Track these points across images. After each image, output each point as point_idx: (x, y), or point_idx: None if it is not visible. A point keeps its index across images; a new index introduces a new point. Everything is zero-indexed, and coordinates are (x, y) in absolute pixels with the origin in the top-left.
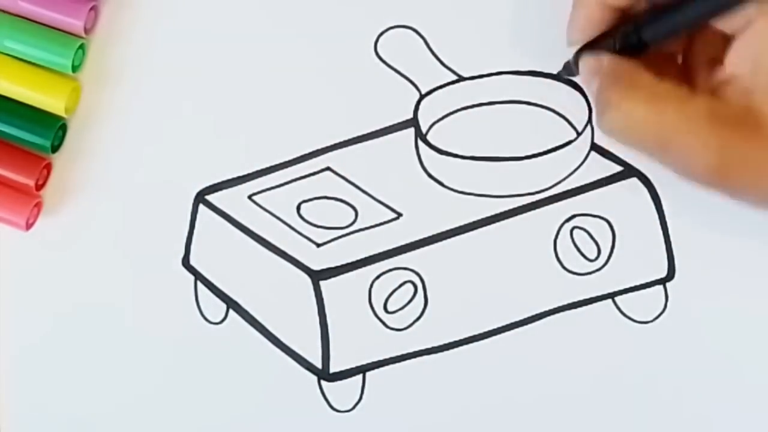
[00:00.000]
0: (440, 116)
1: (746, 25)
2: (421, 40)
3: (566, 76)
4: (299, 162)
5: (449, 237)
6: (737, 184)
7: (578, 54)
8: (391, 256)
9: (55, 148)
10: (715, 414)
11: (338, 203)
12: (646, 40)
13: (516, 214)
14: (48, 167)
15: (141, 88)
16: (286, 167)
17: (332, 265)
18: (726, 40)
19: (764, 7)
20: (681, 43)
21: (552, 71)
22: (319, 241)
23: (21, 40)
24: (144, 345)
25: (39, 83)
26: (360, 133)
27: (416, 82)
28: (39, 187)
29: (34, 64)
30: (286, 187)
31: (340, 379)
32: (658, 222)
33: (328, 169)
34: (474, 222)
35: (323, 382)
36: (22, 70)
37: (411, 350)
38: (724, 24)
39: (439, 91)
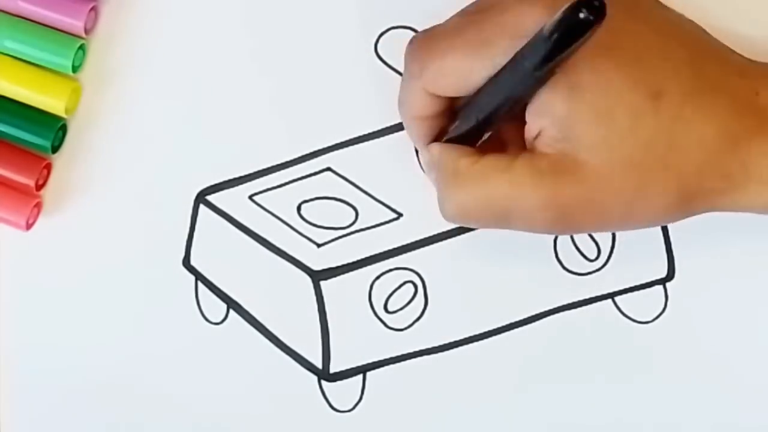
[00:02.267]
0: None
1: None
2: None
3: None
4: (300, 162)
5: (449, 237)
6: (582, 226)
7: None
8: (391, 256)
9: (55, 149)
10: (715, 414)
11: (339, 203)
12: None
13: None
14: (48, 167)
15: (141, 88)
16: (287, 167)
17: (333, 265)
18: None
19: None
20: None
21: None
22: (320, 241)
23: (21, 40)
24: (144, 345)
25: (39, 83)
26: (360, 134)
27: None
28: (39, 187)
29: (34, 64)
30: (287, 187)
31: (341, 379)
32: None
33: (328, 169)
34: None
35: (323, 382)
36: (22, 71)
37: (411, 350)
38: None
39: None
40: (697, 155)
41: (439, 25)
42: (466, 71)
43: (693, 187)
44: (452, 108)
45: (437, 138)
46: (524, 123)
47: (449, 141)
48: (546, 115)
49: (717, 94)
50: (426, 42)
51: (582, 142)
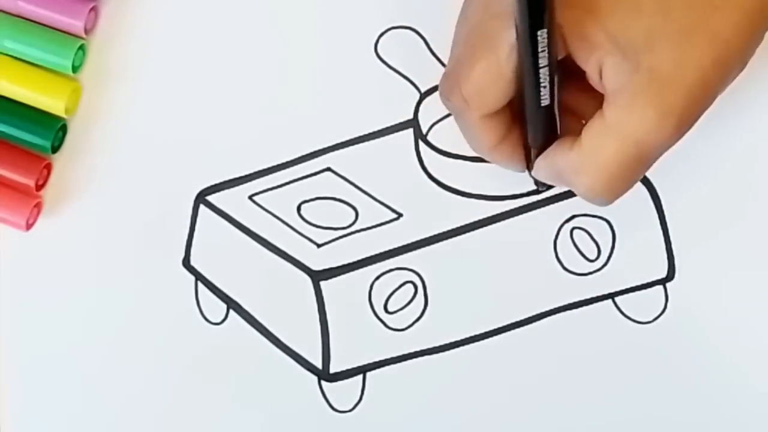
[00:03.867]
0: (441, 117)
1: (564, 41)
2: (421, 41)
3: (544, 188)
4: (300, 162)
5: (449, 237)
6: (696, 115)
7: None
8: (391, 257)
9: (55, 149)
10: (715, 414)
11: (338, 203)
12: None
13: (516, 215)
14: (48, 167)
15: (141, 88)
16: (287, 167)
17: (332, 266)
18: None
19: (564, 15)
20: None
21: None
22: (320, 242)
23: (21, 40)
24: (144, 345)
25: (39, 84)
26: (360, 134)
27: (416, 83)
28: (39, 187)
29: (34, 64)
30: (287, 187)
31: (341, 379)
32: (658, 222)
33: (328, 169)
34: (474, 222)
35: (323, 383)
36: (22, 71)
37: (411, 350)
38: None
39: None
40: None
41: (447, 64)
42: (498, 71)
43: (756, 10)
44: (516, 121)
45: (527, 154)
46: (575, 92)
47: (541, 149)
48: (592, 51)
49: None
50: (450, 76)
51: (637, 49)
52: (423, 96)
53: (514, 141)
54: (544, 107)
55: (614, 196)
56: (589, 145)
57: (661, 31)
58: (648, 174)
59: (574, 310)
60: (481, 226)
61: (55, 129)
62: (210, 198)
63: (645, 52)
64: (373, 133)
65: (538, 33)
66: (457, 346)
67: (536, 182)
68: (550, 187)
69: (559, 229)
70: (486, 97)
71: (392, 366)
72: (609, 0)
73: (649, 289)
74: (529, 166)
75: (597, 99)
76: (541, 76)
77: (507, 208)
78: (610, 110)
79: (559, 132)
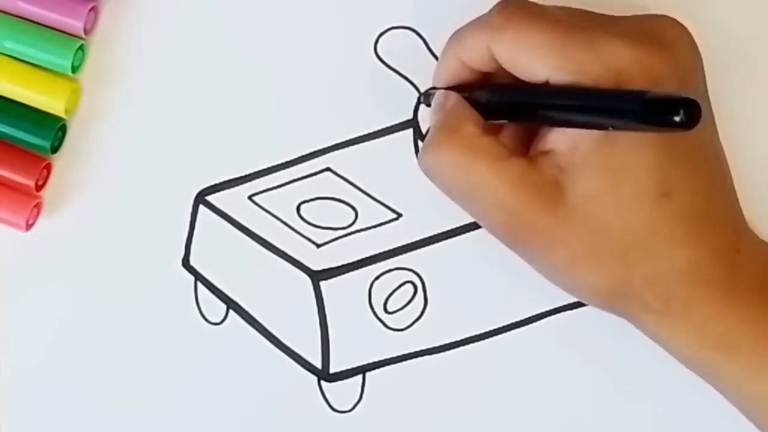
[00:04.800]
0: None
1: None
2: (420, 41)
3: (424, 103)
4: (299, 162)
5: (449, 237)
6: (524, 248)
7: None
8: (390, 257)
9: (54, 149)
10: (715, 414)
11: (338, 203)
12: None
13: None
14: (48, 168)
15: (141, 88)
16: (286, 168)
17: (332, 266)
18: None
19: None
20: None
21: None
22: (319, 242)
23: (21, 41)
24: (144, 345)
25: (39, 84)
26: (360, 134)
27: (416, 83)
28: (39, 187)
29: (33, 65)
30: (286, 187)
31: (340, 379)
32: None
33: (328, 169)
34: (474, 222)
35: (323, 383)
36: (21, 71)
37: (411, 350)
38: None
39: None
40: (659, 266)
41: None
42: (540, 61)
43: (633, 289)
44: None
45: (457, 87)
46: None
47: (469, 98)
48: (571, 144)
49: (707, 230)
50: (524, 8)
51: (578, 187)
52: (422, 95)
53: (470, 76)
54: (515, 110)
55: (426, 172)
56: (474, 148)
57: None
58: None
59: (574, 310)
60: (481, 226)
61: (54, 129)
62: (209, 198)
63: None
64: (373, 133)
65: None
66: (457, 346)
67: (426, 95)
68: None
69: None
70: (510, 54)
71: (392, 366)
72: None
73: None
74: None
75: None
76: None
77: None
78: (513, 166)
79: None
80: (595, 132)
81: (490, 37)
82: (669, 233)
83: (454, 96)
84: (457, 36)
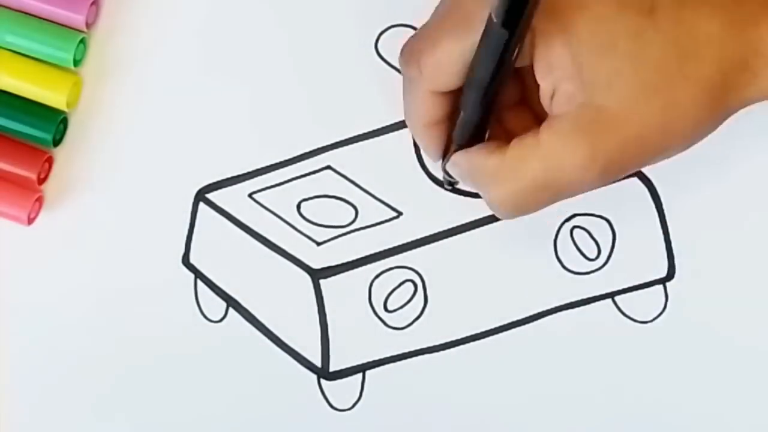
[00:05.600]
0: None
1: (531, 49)
2: None
3: (450, 185)
4: (300, 160)
5: (449, 236)
6: (629, 167)
7: (444, 165)
8: (391, 255)
9: (56, 142)
10: (715, 414)
11: (338, 202)
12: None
13: None
14: (50, 161)
15: (142, 82)
16: (287, 165)
17: (332, 264)
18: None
19: (539, 25)
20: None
21: None
22: (319, 240)
23: (22, 34)
24: (143, 343)
25: (40, 78)
26: (361, 132)
27: None
28: (41, 181)
29: (35, 58)
30: (287, 185)
31: (340, 377)
32: (658, 222)
33: (328, 167)
34: (474, 221)
35: (323, 381)
36: (23, 65)
37: (411, 349)
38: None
39: None
40: (709, 54)
41: (426, 23)
42: (462, 53)
43: (718, 88)
44: (456, 110)
45: (448, 146)
46: (524, 108)
47: (462, 146)
48: (553, 70)
49: None
50: (416, 41)
51: (596, 84)
52: None
53: (444, 130)
54: (485, 107)
55: (517, 212)
56: (513, 156)
57: (625, 78)
58: (648, 174)
59: (574, 310)
60: (481, 225)
61: (56, 122)
62: (210, 196)
63: (601, 90)
64: (374, 131)
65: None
66: (457, 344)
67: (445, 177)
68: (455, 184)
69: (560, 228)
70: (441, 76)
71: (392, 364)
72: (587, 27)
73: (649, 289)
74: (444, 158)
75: (529, 119)
76: (496, 75)
77: None
78: (547, 132)
79: (486, 137)
80: (555, 41)
81: (422, 85)
82: (687, 27)
83: (459, 156)
84: (407, 115)
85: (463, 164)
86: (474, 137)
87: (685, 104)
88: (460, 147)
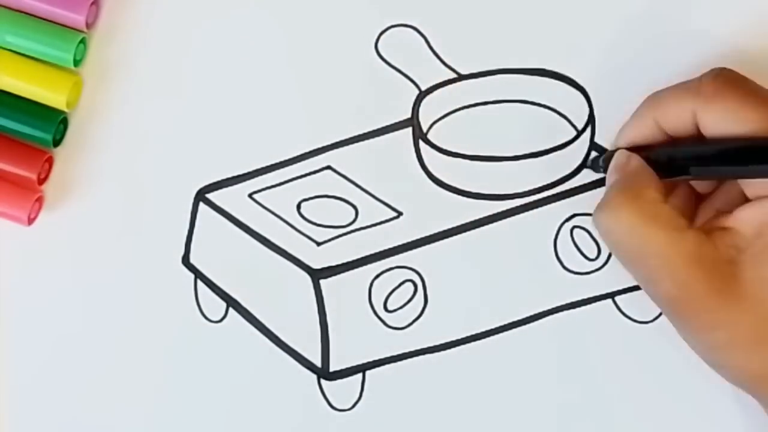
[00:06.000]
0: (441, 115)
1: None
2: (422, 39)
3: (591, 168)
4: (300, 160)
5: (449, 236)
6: (685, 322)
7: (613, 151)
8: (391, 255)
9: (56, 143)
10: (715, 414)
11: (338, 202)
12: (683, 172)
13: (516, 214)
14: (50, 161)
15: (142, 83)
16: (287, 165)
17: (332, 264)
18: (743, 195)
19: None
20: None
21: (554, 69)
22: (319, 240)
23: (22, 35)
24: (143, 343)
25: (41, 78)
26: (361, 132)
27: (417, 81)
28: (41, 181)
29: (35, 58)
30: (287, 185)
31: (340, 377)
32: None
33: (328, 167)
34: (474, 221)
35: (323, 381)
36: (23, 65)
37: (411, 349)
38: (749, 184)
39: (440, 89)
40: None
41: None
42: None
43: None
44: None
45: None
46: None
47: (649, 158)
48: (757, 228)
49: None
50: (738, 80)
51: (757, 271)
52: (423, 94)
53: (650, 136)
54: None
55: (598, 229)
56: (652, 216)
57: None
58: None
59: (574, 310)
60: (481, 225)
61: (56, 122)
62: (210, 196)
63: None
64: (374, 131)
65: None
66: (457, 345)
67: (595, 162)
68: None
69: (560, 228)
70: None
71: (392, 365)
72: None
73: None
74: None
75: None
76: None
77: (507, 207)
78: (689, 239)
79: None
80: None
81: (698, 104)
82: None
83: (636, 158)
84: (657, 99)
85: (628, 166)
86: (662, 167)
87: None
88: (649, 160)
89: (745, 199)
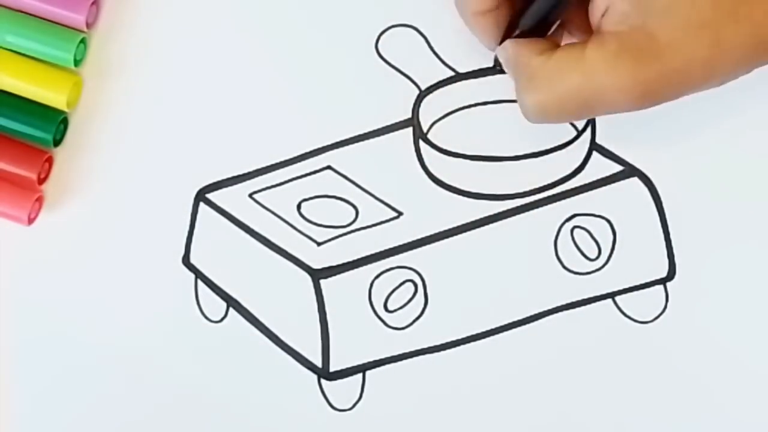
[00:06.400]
0: (441, 115)
1: None
2: (422, 39)
3: (499, 70)
4: (300, 160)
5: (449, 236)
6: (666, 96)
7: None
8: (391, 255)
9: (57, 142)
10: (715, 413)
11: (339, 202)
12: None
13: (516, 214)
14: (50, 161)
15: (142, 83)
16: (287, 165)
17: (332, 264)
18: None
19: None
20: None
21: None
22: (320, 240)
23: (23, 34)
24: (143, 343)
25: (41, 77)
26: (361, 132)
27: (418, 81)
28: (41, 180)
29: (35, 58)
30: (287, 185)
31: (340, 377)
32: (658, 222)
33: (328, 167)
34: (474, 221)
35: (323, 381)
36: (23, 65)
37: (411, 349)
38: None
39: (440, 89)
40: (764, 1)
41: None
42: None
43: (764, 35)
44: None
45: (507, 31)
46: (585, 18)
47: (521, 35)
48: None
49: None
50: None
51: (651, 10)
52: (423, 94)
53: (499, 18)
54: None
55: (543, 118)
56: (557, 61)
57: (681, 8)
58: (648, 174)
59: (574, 310)
60: (481, 225)
61: (56, 122)
62: (210, 196)
63: (655, 17)
64: (374, 131)
65: None
66: (457, 345)
67: (495, 59)
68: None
69: (560, 229)
70: None
71: (392, 365)
72: None
73: (649, 289)
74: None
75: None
76: None
77: (507, 207)
78: (594, 49)
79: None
80: None
81: None
82: None
83: (509, 44)
84: (456, 1)
85: (510, 55)
86: (538, 29)
87: (732, 44)
88: (522, 35)
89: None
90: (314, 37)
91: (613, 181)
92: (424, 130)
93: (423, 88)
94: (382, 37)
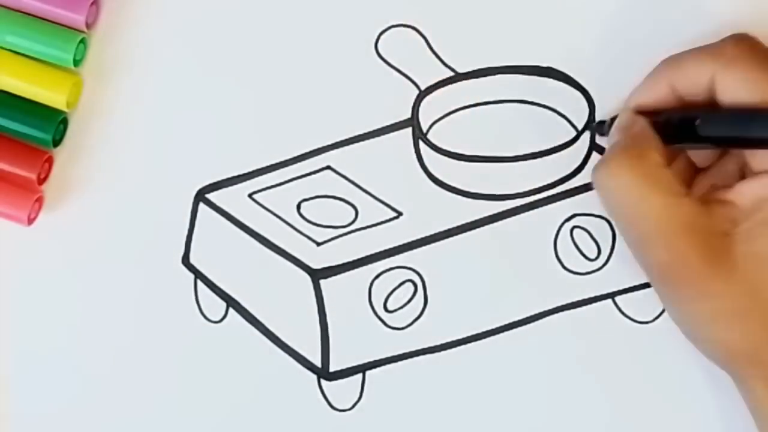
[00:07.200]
0: (441, 115)
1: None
2: (422, 39)
3: (596, 131)
4: (300, 160)
5: (449, 236)
6: (671, 290)
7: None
8: (391, 255)
9: (56, 143)
10: (715, 413)
11: (338, 202)
12: (696, 136)
13: (516, 214)
14: (50, 161)
15: (142, 83)
16: (287, 166)
17: (332, 264)
18: (741, 171)
19: None
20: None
21: (554, 69)
22: (319, 240)
23: (22, 35)
24: (143, 343)
25: (40, 78)
26: (360, 132)
27: (417, 82)
28: (41, 181)
29: (35, 58)
30: (287, 185)
31: (340, 378)
32: None
33: (328, 167)
34: (474, 221)
35: (323, 381)
36: (23, 65)
37: (411, 349)
38: (755, 156)
39: (440, 89)
40: None
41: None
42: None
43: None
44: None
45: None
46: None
47: (656, 122)
48: (755, 203)
49: None
50: (759, 45)
51: (750, 246)
52: (423, 94)
53: (663, 98)
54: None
55: (602, 192)
56: (652, 180)
57: None
58: None
59: (574, 310)
60: (481, 225)
61: (56, 122)
62: (210, 196)
63: None
64: (374, 131)
65: None
66: (457, 345)
67: (600, 125)
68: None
69: (560, 229)
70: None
71: (392, 365)
72: None
73: (649, 289)
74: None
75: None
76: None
77: (507, 207)
78: (685, 206)
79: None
80: None
81: (718, 67)
82: None
83: (642, 120)
84: (675, 61)
85: (633, 127)
86: (668, 132)
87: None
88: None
89: (743, 176)
90: (314, 37)
91: None
92: (424, 130)
93: (423, 88)
94: (381, 37)
